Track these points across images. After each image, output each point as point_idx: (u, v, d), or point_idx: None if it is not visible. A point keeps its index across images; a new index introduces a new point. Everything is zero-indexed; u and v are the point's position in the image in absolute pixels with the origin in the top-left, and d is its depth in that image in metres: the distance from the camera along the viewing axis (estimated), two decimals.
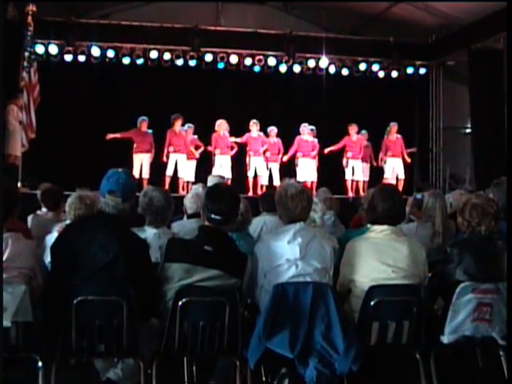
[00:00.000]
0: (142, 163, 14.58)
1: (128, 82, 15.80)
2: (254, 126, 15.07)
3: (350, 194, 15.43)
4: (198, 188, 7.20)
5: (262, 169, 15.24)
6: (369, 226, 5.72)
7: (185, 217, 6.92)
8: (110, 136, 14.44)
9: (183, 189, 14.58)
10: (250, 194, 14.45)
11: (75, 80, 15.43)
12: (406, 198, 6.06)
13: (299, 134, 15.46)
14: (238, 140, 15.14)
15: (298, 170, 15.41)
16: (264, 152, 15.27)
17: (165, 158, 14.61)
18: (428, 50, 17.06)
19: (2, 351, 4.08)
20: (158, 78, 15.95)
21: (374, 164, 16.22)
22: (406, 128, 16.32)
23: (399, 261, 4.71)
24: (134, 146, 14.65)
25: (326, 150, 15.60)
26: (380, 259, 4.71)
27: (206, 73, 16.36)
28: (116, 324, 4.25)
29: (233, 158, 15.15)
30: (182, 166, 14.77)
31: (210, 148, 15.04)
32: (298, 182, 5.79)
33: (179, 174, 14.76)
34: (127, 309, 4.20)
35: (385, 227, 4.82)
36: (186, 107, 15.00)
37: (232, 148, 15.16)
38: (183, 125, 14.72)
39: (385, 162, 15.81)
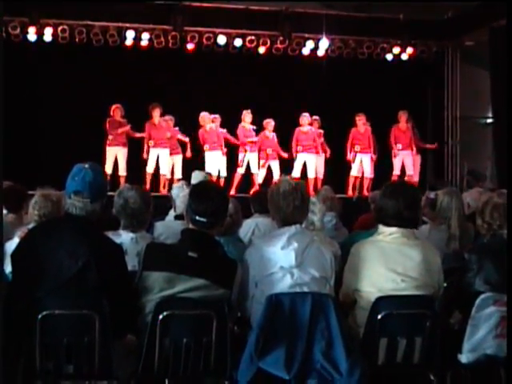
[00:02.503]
0: (116, 158, 14.55)
1: (100, 65, 15.75)
2: (247, 116, 15.08)
3: (350, 193, 15.47)
4: (182, 186, 7.23)
5: (254, 166, 15.26)
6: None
7: (170, 214, 6.95)
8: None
9: (164, 187, 14.59)
10: (233, 192, 14.49)
11: (40, 63, 15.42)
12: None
13: (299, 125, 15.50)
14: (231, 139, 15.24)
15: (296, 165, 15.43)
16: (260, 148, 15.30)
17: (145, 154, 14.63)
18: (443, 29, 17.02)
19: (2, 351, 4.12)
20: (134, 62, 15.91)
21: (374, 157, 16.21)
22: (418, 118, 16.33)
23: (410, 269, 4.68)
24: (109, 137, 14.66)
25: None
26: (388, 266, 4.67)
27: (190, 56, 16.33)
28: (87, 341, 4.23)
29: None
30: (164, 161, 14.78)
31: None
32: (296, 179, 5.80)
33: (161, 171, 14.76)
34: (100, 324, 4.19)
35: (394, 229, 4.76)
36: (166, 95, 15.04)
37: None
38: (163, 115, 14.73)
39: (394, 156, 15.84)
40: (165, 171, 14.82)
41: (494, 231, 4.96)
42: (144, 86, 15.59)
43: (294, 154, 15.57)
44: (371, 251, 4.78)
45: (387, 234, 4.80)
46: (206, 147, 14.88)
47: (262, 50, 16.49)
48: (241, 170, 15.20)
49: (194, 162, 14.71)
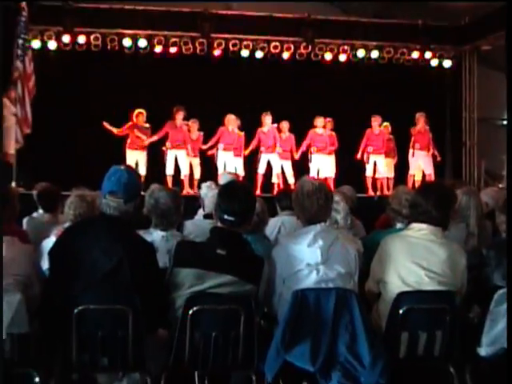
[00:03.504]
0: (137, 162, 14.52)
1: (131, 71, 15.83)
2: (267, 118, 15.06)
3: (371, 193, 15.43)
4: (211, 186, 7.23)
5: (276, 166, 15.25)
6: (398, 226, 5.73)
7: (199, 214, 6.96)
8: (106, 125, 14.59)
9: (192, 187, 14.59)
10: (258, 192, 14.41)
11: (73, 70, 15.47)
12: None
13: (313, 127, 15.49)
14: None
15: (312, 166, 15.39)
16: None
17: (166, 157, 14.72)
18: (461, 34, 16.98)
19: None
20: (163, 67, 15.97)
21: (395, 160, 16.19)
22: (436, 119, 16.25)
23: (434, 264, 4.67)
24: (128, 141, 14.69)
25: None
26: (413, 260, 4.67)
27: (217, 61, 16.35)
28: (121, 335, 4.25)
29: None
30: (183, 162, 14.78)
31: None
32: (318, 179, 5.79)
33: (182, 172, 14.75)
34: (133, 318, 4.21)
35: (424, 226, 4.77)
36: (192, 99, 15.01)
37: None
38: (187, 119, 14.72)
39: (413, 155, 15.78)
40: (185, 171, 14.78)
41: None
42: (173, 91, 15.61)
43: (309, 156, 15.55)
44: (399, 245, 4.78)
45: (416, 230, 4.82)
46: (220, 146, 14.84)
47: (285, 55, 16.49)
48: (261, 171, 15.18)
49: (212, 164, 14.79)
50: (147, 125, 14.74)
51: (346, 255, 4.65)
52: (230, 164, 14.87)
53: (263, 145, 15.18)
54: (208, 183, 7.81)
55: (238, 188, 4.81)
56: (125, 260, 4.27)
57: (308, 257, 4.58)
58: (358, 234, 6.48)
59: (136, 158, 14.58)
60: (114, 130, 14.59)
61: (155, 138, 14.73)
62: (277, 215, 6.97)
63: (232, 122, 14.79)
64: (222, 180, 8.37)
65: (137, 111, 14.65)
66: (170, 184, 14.23)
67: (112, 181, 4.43)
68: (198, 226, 6.33)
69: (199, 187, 8.43)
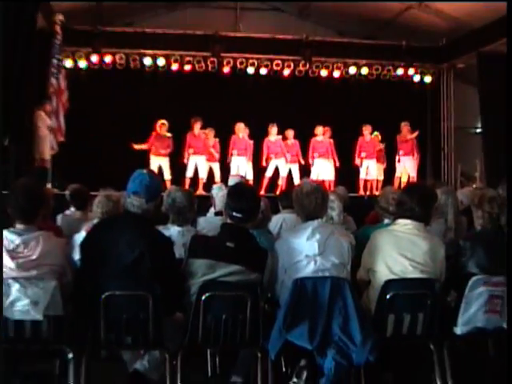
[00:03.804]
0: (160, 166, 14.48)
1: (151, 86, 15.84)
2: (273, 129, 15.11)
3: (362, 193, 15.42)
4: (221, 187, 7.22)
5: (284, 170, 15.27)
6: (386, 221, 5.73)
7: (210, 211, 6.95)
8: (136, 147, 14.47)
9: (204, 188, 14.59)
10: (262, 192, 14.39)
11: (101, 85, 15.48)
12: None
13: (314, 136, 15.52)
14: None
15: (313, 169, 15.40)
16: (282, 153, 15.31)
17: (185, 160, 14.63)
18: (439, 53, 16.96)
19: (3, 344, 4.15)
20: (179, 83, 15.95)
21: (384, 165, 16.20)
22: (419, 128, 16.21)
23: (417, 255, 4.68)
24: (152, 148, 14.63)
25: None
26: (399, 252, 4.68)
27: (226, 77, 16.34)
28: (142, 318, 4.26)
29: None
30: (202, 167, 14.77)
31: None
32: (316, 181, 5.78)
33: (200, 175, 14.74)
34: (153, 303, 4.21)
35: (408, 221, 4.79)
36: (205, 111, 15.00)
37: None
38: (204, 128, 14.74)
39: (399, 161, 15.80)
40: (203, 175, 14.77)
41: (493, 220, 4.94)
42: (187, 103, 15.59)
43: (311, 161, 15.55)
44: (387, 238, 4.79)
45: (402, 225, 4.82)
46: (234, 152, 14.87)
47: (286, 72, 16.47)
48: (268, 174, 15.19)
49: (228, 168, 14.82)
50: (169, 134, 14.71)
51: (340, 247, 4.65)
52: (242, 168, 14.88)
53: (272, 152, 15.17)
54: (219, 184, 7.80)
55: (244, 189, 4.83)
56: (146, 252, 4.28)
57: (307, 249, 4.58)
58: (350, 228, 6.47)
59: (159, 164, 14.53)
60: (144, 147, 14.56)
61: (144, 146, 14.62)
62: (279, 212, 6.95)
63: (241, 129, 14.84)
64: (230, 182, 8.36)
65: (160, 122, 14.63)
66: (187, 185, 14.24)
67: (135, 183, 4.46)
68: (209, 222, 6.32)
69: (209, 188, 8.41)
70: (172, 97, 15.77)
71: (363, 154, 15.64)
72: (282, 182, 15.25)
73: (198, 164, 14.71)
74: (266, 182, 15.19)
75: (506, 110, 12.01)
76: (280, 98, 16.31)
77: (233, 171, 14.54)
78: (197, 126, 14.56)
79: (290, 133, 15.33)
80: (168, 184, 13.83)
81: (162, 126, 14.58)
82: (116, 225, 4.52)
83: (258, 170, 15.24)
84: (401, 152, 15.71)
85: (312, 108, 16.40)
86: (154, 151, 14.62)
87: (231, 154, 14.90)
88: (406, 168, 15.73)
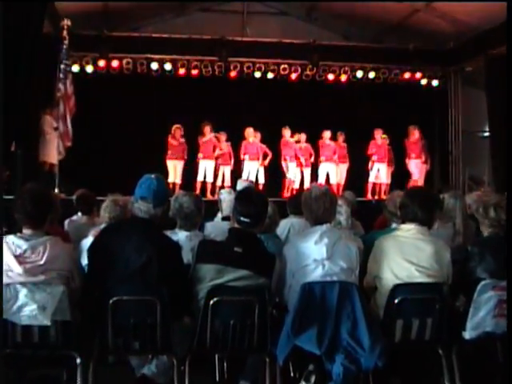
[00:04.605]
0: (175, 169, 14.63)
1: (159, 91, 15.87)
2: (287, 132, 15.20)
3: (370, 197, 15.43)
4: (229, 191, 7.23)
5: (296, 173, 15.32)
6: (394, 226, 5.71)
7: (218, 216, 6.95)
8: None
9: (212, 193, 14.64)
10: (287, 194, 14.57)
11: (108, 90, 15.53)
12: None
13: (320, 139, 15.60)
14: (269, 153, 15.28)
15: (320, 173, 15.45)
16: (296, 157, 15.36)
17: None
18: (446, 57, 16.93)
19: (2, 348, 4.16)
20: (187, 88, 15.98)
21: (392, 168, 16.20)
22: (427, 132, 16.22)
23: (423, 260, 4.67)
24: (169, 152, 14.73)
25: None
26: (404, 257, 4.67)
27: (233, 82, 16.36)
28: (150, 323, 4.26)
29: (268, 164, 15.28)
30: (210, 171, 14.81)
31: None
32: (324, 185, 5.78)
33: (207, 179, 14.80)
34: (161, 308, 4.21)
35: (411, 226, 4.79)
36: (214, 115, 15.04)
37: (265, 155, 15.20)
38: (216, 131, 14.80)
39: (415, 166, 15.82)
40: (211, 179, 14.84)
41: (501, 226, 4.94)
42: (195, 108, 15.62)
43: (319, 164, 15.60)
44: (391, 244, 4.78)
45: (405, 230, 4.83)
46: (246, 157, 14.93)
47: (293, 76, 16.49)
48: (292, 177, 15.24)
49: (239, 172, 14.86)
50: (182, 139, 14.83)
51: (348, 252, 4.65)
52: (254, 173, 14.94)
53: (286, 154, 15.29)
54: (227, 189, 7.80)
55: (252, 193, 4.82)
56: (154, 257, 4.28)
57: (315, 253, 4.58)
58: (358, 233, 6.46)
59: (175, 166, 14.75)
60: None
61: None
62: (287, 217, 6.95)
63: (251, 134, 14.92)
64: (239, 186, 8.36)
65: (174, 126, 14.78)
66: (198, 189, 14.31)
67: (143, 188, 4.47)
68: (217, 227, 6.31)
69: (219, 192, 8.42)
70: (179, 101, 15.80)
71: (375, 157, 15.66)
72: (291, 185, 15.28)
73: (207, 169, 14.78)
74: (288, 184, 15.36)
75: (507, 111, 11.98)
76: (287, 102, 16.34)
77: (244, 176, 14.58)
78: (207, 130, 14.65)
79: (303, 136, 15.40)
80: (177, 188, 13.94)
81: (176, 130, 14.79)
82: (123, 230, 4.52)
83: (277, 173, 15.30)
84: (412, 155, 15.75)
85: (318, 112, 16.42)
86: (170, 155, 14.85)
87: (243, 159, 14.94)
88: (413, 171, 15.74)
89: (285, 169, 15.29)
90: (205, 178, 14.78)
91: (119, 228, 4.67)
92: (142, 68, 15.82)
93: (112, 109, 15.58)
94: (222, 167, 14.99)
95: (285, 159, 15.25)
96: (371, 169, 15.70)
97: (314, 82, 16.68)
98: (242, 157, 14.97)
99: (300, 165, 15.44)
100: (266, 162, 15.25)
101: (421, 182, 15.49)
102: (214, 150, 14.85)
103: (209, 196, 14.39)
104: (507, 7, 8.50)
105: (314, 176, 15.39)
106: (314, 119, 16.13)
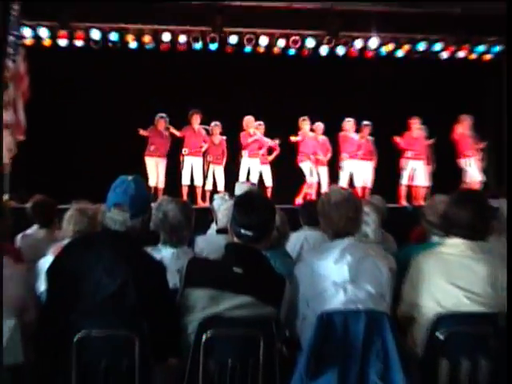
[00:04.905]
0: (157, 168, 14.68)
1: (136, 70, 15.90)
2: (306, 123, 15.22)
3: (403, 203, 15.42)
4: (224, 197, 7.25)
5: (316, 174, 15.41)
6: (435, 239, 5.71)
7: (212, 228, 6.97)
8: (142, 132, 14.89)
9: (204, 199, 14.68)
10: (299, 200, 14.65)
11: (72, 70, 15.53)
12: None
13: (341, 130, 15.61)
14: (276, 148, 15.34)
15: (343, 173, 15.48)
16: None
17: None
18: (504, 23, 16.87)
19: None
20: (172, 66, 16.02)
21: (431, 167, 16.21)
22: (477, 119, 16.21)
23: (474, 284, 4.63)
24: (150, 147, 14.86)
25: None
26: (450, 280, 4.65)
27: (230, 58, 16.39)
28: (126, 365, 4.25)
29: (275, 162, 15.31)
30: (199, 171, 14.88)
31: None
32: (347, 188, 5.79)
33: (195, 182, 14.84)
34: (140, 346, 4.21)
35: (459, 241, 4.75)
36: (205, 101, 15.09)
37: (271, 150, 15.26)
38: (206, 123, 14.84)
39: (469, 164, 15.79)
40: (199, 182, 14.88)
41: None
42: (182, 91, 15.67)
43: (340, 162, 15.63)
44: (433, 263, 4.76)
45: (451, 246, 4.79)
46: (244, 153, 14.98)
47: (307, 50, 16.49)
48: (312, 179, 15.27)
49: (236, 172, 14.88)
50: (166, 132, 14.94)
51: (377, 273, 4.66)
52: (255, 173, 15.00)
53: (304, 150, 15.44)
54: (221, 194, 7.82)
55: (255, 199, 4.80)
56: (131, 280, 4.28)
57: (335, 274, 4.59)
58: (389, 248, 6.47)
59: (156, 165, 14.90)
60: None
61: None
62: (300, 229, 6.97)
63: (251, 123, 14.95)
64: (237, 190, 8.37)
65: (157, 116, 14.88)
66: (185, 194, 14.36)
67: (117, 193, 4.47)
68: (210, 242, 6.36)
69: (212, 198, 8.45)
70: (162, 84, 15.83)
71: (409, 154, 15.67)
72: (311, 190, 15.33)
73: (195, 167, 14.80)
74: (309, 189, 15.38)
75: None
76: (298, 83, 16.37)
77: (242, 177, 14.61)
78: (195, 121, 14.71)
79: (320, 127, 15.44)
80: (159, 194, 13.98)
81: (160, 120, 14.99)
82: (92, 246, 4.50)
83: (288, 173, 15.35)
84: (469, 152, 15.80)
85: (339, 97, 16.45)
86: (150, 151, 15.06)
87: (240, 156, 14.97)
88: (472, 172, 15.76)
89: (305, 169, 15.29)
90: (192, 179, 14.80)
91: (87, 244, 4.64)
92: (113, 41, 15.79)
93: (77, 93, 15.61)
94: (211, 166, 15.01)
95: (308, 157, 15.25)
96: (405, 168, 15.69)
97: (332, 58, 16.68)
98: (240, 153, 14.99)
99: (316, 162, 15.44)
100: (271, 158, 15.28)
101: (477, 186, 15.47)
102: (201, 146, 14.92)
103: (199, 203, 14.44)
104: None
105: (333, 177, 15.40)
106: (333, 105, 16.17)
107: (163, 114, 14.88)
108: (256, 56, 16.40)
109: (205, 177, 14.98)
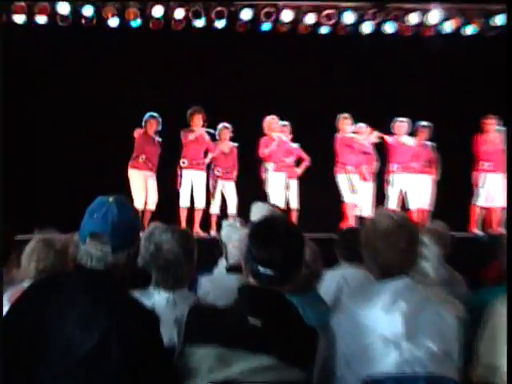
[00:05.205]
0: (146, 185, 14.69)
1: (117, 57, 15.96)
2: (346, 122, 15.22)
3: (476, 230, 15.37)
4: (235, 223, 7.27)
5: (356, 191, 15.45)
6: None
7: (220, 266, 6.99)
8: None
9: (208, 227, 14.70)
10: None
11: (32, 56, 15.61)
12: None
13: (392, 134, 15.61)
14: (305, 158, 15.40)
15: (392, 191, 15.46)
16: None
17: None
18: None
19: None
20: (164, 50, 16.07)
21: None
22: None
23: None
24: (139, 157, 14.93)
25: None
26: None
27: (241, 39, 16.42)
28: None
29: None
30: (200, 189, 14.99)
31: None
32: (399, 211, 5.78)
33: (195, 203, 14.91)
34: None
35: None
36: (212, 96, 15.11)
37: (300, 160, 15.28)
38: (212, 126, 14.85)
39: None
40: (202, 203, 14.91)
41: None
42: (178, 83, 15.71)
43: (389, 176, 15.62)
44: None
45: None
46: (269, 166, 14.95)
47: (343, 28, 16.52)
48: (353, 199, 15.25)
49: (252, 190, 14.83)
50: (157, 138, 15.01)
51: (441, 325, 4.63)
52: (280, 190, 15.13)
53: (346, 159, 15.49)
54: (232, 220, 7.82)
55: (278, 225, 4.76)
56: (112, 335, 4.25)
57: (384, 327, 4.58)
58: (457, 292, 6.47)
59: (145, 180, 14.96)
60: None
61: None
62: (337, 266, 6.98)
63: (274, 125, 14.93)
64: (253, 214, 8.37)
65: (147, 116, 14.96)
66: (183, 221, 14.37)
67: (95, 219, 4.43)
68: (218, 284, 6.37)
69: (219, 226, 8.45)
70: (152, 73, 15.89)
71: (485, 165, 15.61)
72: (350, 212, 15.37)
73: (196, 184, 14.83)
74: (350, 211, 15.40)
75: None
76: (333, 71, 16.41)
77: (271, 196, 14.60)
78: (197, 122, 14.73)
79: (364, 128, 15.51)
80: (147, 217, 13.99)
81: (150, 121, 15.13)
82: (62, 290, 4.49)
83: (321, 191, 15.37)
84: None
85: (387, 90, 16.45)
86: (135, 162, 15.11)
87: (264, 170, 14.94)
88: None
89: (343, 185, 15.29)
90: (192, 200, 14.80)
91: (55, 287, 4.61)
92: (87, 17, 15.86)
93: (39, 85, 15.67)
94: (220, 182, 15.01)
95: (345, 169, 15.28)
96: (480, 183, 15.61)
97: (376, 38, 16.72)
98: (263, 166, 14.99)
99: (360, 175, 15.46)
100: (300, 171, 15.30)
101: None
102: (205, 155, 14.92)
103: (203, 231, 14.44)
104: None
105: (380, 195, 15.37)
106: (380, 101, 16.18)
107: (154, 114, 14.87)
108: (276, 36, 16.42)
109: (210, 197, 14.96)
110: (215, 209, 15.00)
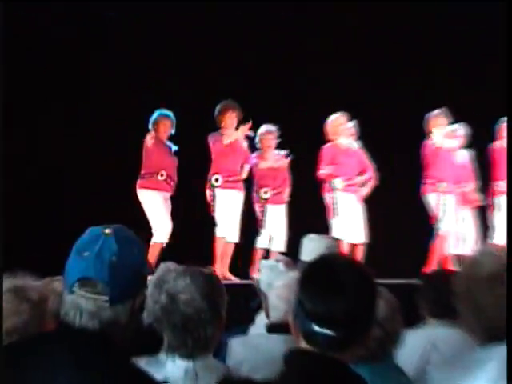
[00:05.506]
0: (168, 211, 14.67)
1: (116, 42, 16.11)
2: (440, 122, 15.39)
3: None
4: (278, 265, 7.19)
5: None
6: None
7: (258, 323, 6.92)
8: None
9: (245, 269, 14.70)
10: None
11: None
12: None
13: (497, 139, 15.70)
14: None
15: (499, 218, 15.40)
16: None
17: (208, 198, 14.74)
18: None
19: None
20: (177, 24, 16.17)
21: None
22: None
23: None
24: (150, 173, 14.98)
25: None
26: None
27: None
28: None
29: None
30: (236, 214, 15.04)
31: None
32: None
33: (229, 237, 14.91)
34: None
35: None
36: (250, 88, 15.18)
37: (369, 178, 15.30)
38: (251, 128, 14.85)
39: None
40: (234, 235, 14.88)
41: None
42: (199, 70, 15.82)
43: (493, 197, 15.61)
44: None
45: None
46: (337, 183, 14.89)
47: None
48: (447, 229, 15.19)
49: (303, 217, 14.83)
50: (172, 146, 15.06)
51: None
52: (349, 218, 15.21)
53: (441, 175, 15.48)
54: (275, 260, 7.74)
55: (340, 269, 4.67)
56: None
57: None
58: None
59: (157, 202, 14.95)
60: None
61: None
62: (422, 324, 6.91)
63: (341, 126, 14.87)
64: (305, 251, 8.31)
65: (157, 117, 14.93)
66: (218, 259, 14.44)
67: (86, 258, 4.32)
68: (255, 349, 6.29)
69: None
70: (162, 57, 16.00)
71: None
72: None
73: (232, 209, 14.83)
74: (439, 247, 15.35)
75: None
76: (415, 46, 16.66)
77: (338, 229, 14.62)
78: (231, 123, 14.67)
79: (462, 131, 15.71)
80: (155, 255, 13.99)
81: (162, 121, 15.25)
82: (40, 361, 4.39)
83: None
84: None
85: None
86: (146, 180, 15.21)
87: (330, 190, 14.89)
88: None
89: (435, 209, 15.27)
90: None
91: (31, 353, 4.54)
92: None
93: (18, 85, 15.82)
94: (268, 207, 14.96)
95: (434, 189, 15.24)
96: None
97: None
98: (327, 184, 14.97)
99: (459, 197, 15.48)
100: (366, 192, 15.29)
101: None
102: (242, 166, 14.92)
103: (233, 277, 14.43)
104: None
105: (483, 226, 15.33)
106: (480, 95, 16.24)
107: (167, 112, 14.85)
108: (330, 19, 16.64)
109: (258, 227, 14.94)
110: (263, 243, 14.93)
